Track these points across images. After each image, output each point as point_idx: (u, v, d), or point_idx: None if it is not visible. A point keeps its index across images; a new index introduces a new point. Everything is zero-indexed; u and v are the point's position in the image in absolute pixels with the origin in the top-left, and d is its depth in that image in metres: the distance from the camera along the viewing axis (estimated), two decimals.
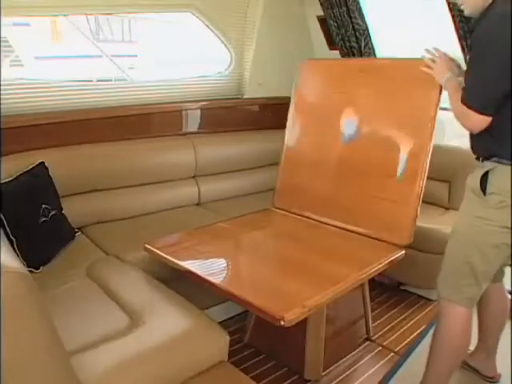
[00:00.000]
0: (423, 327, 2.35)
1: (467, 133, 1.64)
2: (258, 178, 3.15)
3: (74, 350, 1.36)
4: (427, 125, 1.93)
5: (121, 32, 9.33)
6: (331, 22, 3.01)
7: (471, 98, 1.50)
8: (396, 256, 1.87)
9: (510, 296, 1.95)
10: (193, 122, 3.05)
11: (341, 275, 1.69)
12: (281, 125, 3.34)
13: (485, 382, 1.98)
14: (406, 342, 2.24)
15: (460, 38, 2.47)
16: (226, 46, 3.13)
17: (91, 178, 2.47)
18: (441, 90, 1.84)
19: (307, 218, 2.26)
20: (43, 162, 2.24)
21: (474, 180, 1.59)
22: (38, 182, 2.16)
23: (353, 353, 2.16)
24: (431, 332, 1.79)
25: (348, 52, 3.05)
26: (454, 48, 2.50)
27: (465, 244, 1.61)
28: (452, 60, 1.78)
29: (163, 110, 2.88)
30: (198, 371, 1.43)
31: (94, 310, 1.66)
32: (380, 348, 2.21)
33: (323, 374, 2.01)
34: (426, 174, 1.94)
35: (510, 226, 1.53)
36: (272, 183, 2.59)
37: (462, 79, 1.62)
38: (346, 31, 2.97)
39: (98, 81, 3.17)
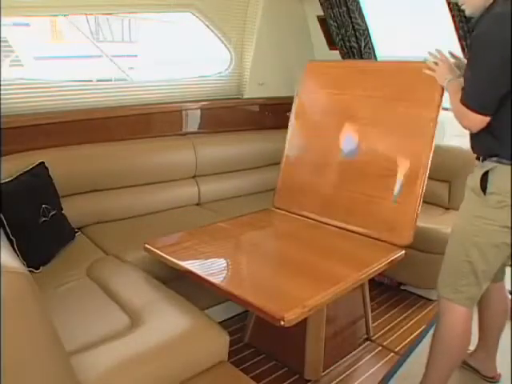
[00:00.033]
0: (423, 327, 2.35)
1: (467, 133, 1.64)
2: (257, 178, 3.15)
3: (74, 350, 1.36)
4: (429, 125, 1.94)
5: (121, 32, 9.34)
6: (331, 21, 3.01)
7: (470, 98, 1.51)
8: (396, 256, 1.87)
9: (510, 296, 1.95)
10: (193, 121, 3.05)
11: (341, 275, 1.69)
12: (281, 125, 3.35)
13: (485, 382, 1.98)
14: (406, 342, 2.24)
15: (460, 38, 2.48)
16: (225, 46, 3.13)
17: (91, 178, 2.47)
18: (442, 92, 1.85)
19: (307, 218, 2.26)
20: (43, 162, 2.24)
21: (474, 180, 1.59)
22: (38, 182, 2.16)
23: (353, 353, 2.16)
24: (431, 332, 1.80)
25: (348, 52, 3.05)
26: (454, 48, 2.50)
27: (465, 243, 1.61)
28: (457, 58, 1.79)
29: (163, 109, 2.88)
30: (198, 371, 1.43)
31: (93, 310, 1.66)
32: (380, 348, 2.21)
33: (323, 373, 2.01)
34: (427, 174, 1.94)
35: (509, 225, 1.53)
36: (272, 183, 2.59)
37: (462, 80, 1.62)
38: (346, 31, 2.97)
39: (98, 81, 3.16)
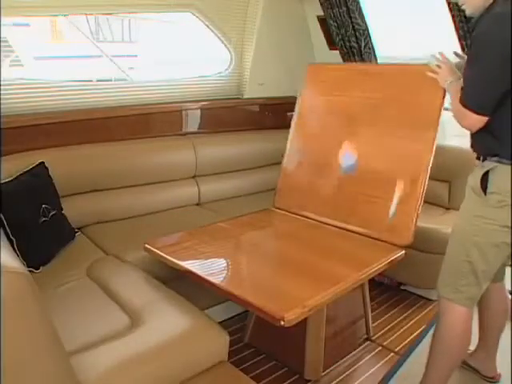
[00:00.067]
0: (423, 327, 2.35)
1: (467, 133, 1.64)
2: (258, 178, 3.15)
3: (74, 350, 1.36)
4: (431, 127, 1.95)
5: (121, 32, 9.34)
6: (331, 21, 3.01)
7: (468, 98, 1.52)
8: (396, 256, 1.87)
9: (510, 296, 1.95)
10: (193, 122, 3.05)
11: (341, 275, 1.69)
12: (281, 125, 3.36)
13: (485, 382, 1.98)
14: (406, 342, 2.24)
15: (460, 38, 2.48)
16: (225, 46, 3.13)
17: (91, 178, 2.47)
18: (444, 94, 1.86)
19: (307, 217, 2.26)
20: (43, 162, 2.24)
21: (474, 179, 1.59)
22: (38, 182, 2.16)
23: (353, 353, 2.16)
24: (431, 332, 1.79)
25: (348, 52, 3.05)
26: (453, 48, 2.50)
27: (465, 243, 1.61)
28: (462, 57, 1.79)
29: (163, 109, 2.88)
30: (198, 371, 1.43)
31: (93, 310, 1.66)
32: (380, 348, 2.21)
33: (323, 374, 2.01)
34: (428, 175, 1.94)
35: (509, 225, 1.53)
36: (272, 183, 2.59)
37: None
38: (346, 31, 2.97)
39: (98, 81, 3.17)
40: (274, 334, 2.04)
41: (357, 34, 2.95)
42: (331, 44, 3.22)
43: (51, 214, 2.11)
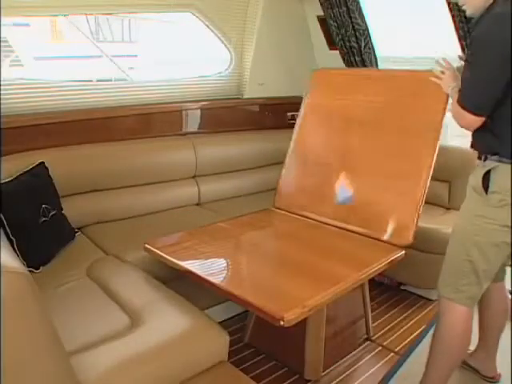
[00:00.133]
0: (423, 327, 2.35)
1: (468, 133, 1.65)
2: (258, 177, 3.15)
3: (74, 350, 1.36)
4: (433, 129, 1.97)
5: (121, 32, 9.35)
6: (331, 21, 3.01)
7: (465, 99, 1.53)
8: (396, 256, 1.87)
9: (510, 296, 1.95)
10: (193, 122, 3.05)
11: (341, 275, 1.69)
12: (281, 125, 3.37)
13: (485, 382, 1.98)
14: (406, 342, 2.24)
15: (460, 38, 2.47)
16: (225, 46, 3.13)
17: (91, 178, 2.47)
18: (447, 99, 1.88)
19: (307, 217, 2.26)
20: (43, 162, 2.24)
21: (475, 179, 1.59)
22: (38, 182, 2.16)
23: (353, 353, 2.16)
24: (431, 332, 1.79)
25: (348, 52, 3.05)
26: (453, 48, 2.51)
27: (466, 243, 1.62)
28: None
29: (163, 110, 2.88)
30: (198, 371, 1.43)
31: (93, 310, 1.66)
32: (380, 348, 2.21)
33: (323, 374, 2.01)
34: (430, 176, 1.95)
35: (509, 224, 1.53)
36: (272, 183, 2.59)
37: None
38: (346, 31, 2.97)
39: (98, 81, 3.17)
40: (273, 334, 2.04)
41: (357, 34, 2.95)
42: (331, 44, 3.22)
43: (51, 214, 2.11)
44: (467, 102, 1.52)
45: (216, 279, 1.68)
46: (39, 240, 2.00)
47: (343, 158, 2.26)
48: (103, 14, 4.29)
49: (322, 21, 3.17)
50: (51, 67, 6.63)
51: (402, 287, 2.73)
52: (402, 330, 2.34)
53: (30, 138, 2.33)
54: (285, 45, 3.32)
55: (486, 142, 1.57)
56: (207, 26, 2.98)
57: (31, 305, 1.00)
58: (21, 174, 2.12)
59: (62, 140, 2.44)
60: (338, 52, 3.13)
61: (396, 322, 2.42)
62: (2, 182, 2.01)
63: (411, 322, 2.41)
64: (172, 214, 2.67)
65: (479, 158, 1.62)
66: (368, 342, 2.24)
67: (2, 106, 2.19)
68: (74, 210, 2.33)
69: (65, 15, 3.02)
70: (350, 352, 2.16)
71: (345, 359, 2.11)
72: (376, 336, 2.29)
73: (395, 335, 2.30)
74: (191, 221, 2.45)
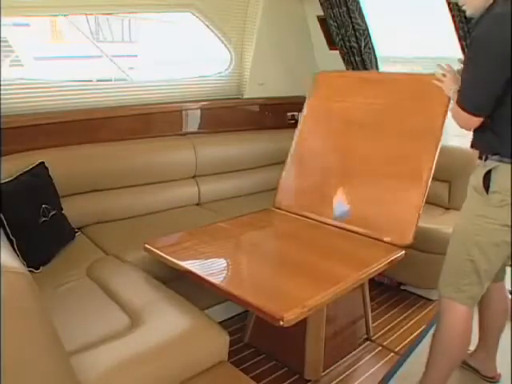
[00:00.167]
0: (423, 327, 2.35)
1: (466, 133, 1.65)
2: (258, 177, 3.15)
3: (74, 350, 1.36)
4: (434, 131, 1.98)
5: (121, 32, 9.34)
6: (331, 21, 3.01)
7: (464, 99, 1.54)
8: (396, 256, 1.87)
9: (510, 296, 1.95)
10: (193, 122, 3.05)
11: (341, 275, 1.69)
12: (281, 125, 3.37)
13: (485, 382, 1.98)
14: (406, 342, 2.24)
15: (460, 39, 2.47)
16: (226, 46, 3.13)
17: (91, 178, 2.47)
18: (448, 102, 1.89)
19: (307, 217, 2.26)
20: (43, 162, 2.24)
21: (476, 178, 1.60)
22: (38, 182, 2.16)
23: (353, 353, 2.16)
24: (431, 332, 1.79)
25: (348, 52, 3.05)
26: (454, 48, 2.51)
27: (466, 242, 1.62)
28: None
29: (163, 110, 2.88)
30: (198, 371, 1.43)
31: (93, 310, 1.66)
32: (380, 348, 2.21)
33: (323, 374, 2.01)
34: (431, 177, 1.95)
35: (509, 224, 1.53)
36: (272, 183, 2.59)
37: None
38: (346, 31, 2.97)
39: (98, 81, 3.17)
40: (273, 334, 2.04)
41: (357, 34, 2.95)
42: (331, 44, 3.22)
43: (51, 214, 2.11)
44: (466, 102, 1.53)
45: (216, 279, 1.68)
46: (39, 240, 2.00)
47: (343, 158, 2.27)
48: (103, 13, 4.29)
49: (322, 21, 3.17)
50: (51, 67, 6.63)
51: (402, 287, 2.73)
52: (402, 330, 2.34)
53: (30, 138, 2.33)
54: (285, 45, 3.32)
55: (486, 141, 1.57)
56: (207, 26, 2.98)
57: (31, 305, 1.00)
58: (21, 174, 2.12)
59: (62, 140, 2.44)
60: (338, 52, 3.13)
61: (396, 322, 2.42)
62: (2, 181, 2.01)
63: (411, 322, 2.41)
64: (172, 214, 2.67)
65: (480, 157, 1.62)
66: (368, 342, 2.24)
67: (2, 106, 2.19)
68: (74, 210, 2.33)
69: (65, 15, 3.01)
70: (350, 352, 2.16)
71: (345, 359, 2.11)
72: (376, 336, 2.29)
73: (395, 335, 2.30)
74: (191, 221, 2.45)
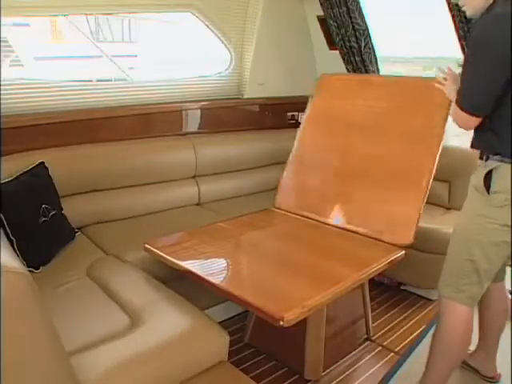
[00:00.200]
0: (423, 327, 2.35)
1: (465, 132, 1.65)
2: (258, 177, 3.15)
3: (74, 350, 1.36)
4: (436, 133, 1.98)
5: (121, 32, 9.35)
6: (331, 21, 3.01)
7: (463, 100, 1.54)
8: (396, 256, 1.87)
9: (510, 296, 1.95)
10: (193, 122, 3.05)
11: (341, 275, 1.69)
12: (281, 125, 3.37)
13: (485, 382, 1.98)
14: (406, 342, 2.24)
15: (460, 39, 2.47)
16: (225, 46, 3.13)
17: (91, 178, 2.47)
18: (449, 105, 1.89)
19: (307, 217, 2.26)
20: (43, 162, 2.24)
21: (477, 178, 1.60)
22: (38, 182, 2.16)
23: (353, 353, 2.16)
24: (431, 332, 1.79)
25: (348, 52, 3.05)
26: (454, 48, 2.51)
27: (467, 242, 1.62)
28: None
29: (163, 110, 2.88)
30: (198, 371, 1.43)
31: (93, 310, 1.66)
32: (380, 348, 2.21)
33: (323, 374, 2.01)
34: (432, 177, 1.95)
35: (510, 224, 1.53)
36: (272, 183, 2.59)
37: None
38: (346, 31, 2.97)
39: (98, 81, 3.17)
40: (273, 334, 2.04)
41: (357, 34, 2.95)
42: (331, 44, 3.22)
43: (51, 214, 2.11)
44: (465, 102, 1.53)
45: (216, 279, 1.68)
46: (39, 240, 2.00)
47: (344, 159, 2.28)
48: (103, 13, 4.29)
49: (322, 21, 3.17)
50: (51, 67, 6.63)
51: (402, 287, 2.73)
52: (402, 330, 2.34)
53: (30, 138, 2.33)
54: (285, 45, 3.32)
55: (487, 141, 1.58)
56: (207, 26, 2.98)
57: (31, 305, 1.00)
58: (21, 174, 2.12)
59: (62, 140, 2.43)
60: (338, 52, 3.13)
61: (396, 321, 2.42)
62: (2, 181, 2.01)
63: (411, 322, 2.41)
64: (172, 214, 2.67)
65: (481, 157, 1.62)
66: (368, 342, 2.24)
67: (2, 106, 2.19)
68: (74, 210, 2.33)
69: (65, 15, 3.02)
70: (350, 352, 2.16)
71: (345, 359, 2.11)
72: (376, 336, 2.29)
73: (395, 335, 2.30)
74: (191, 221, 2.45)
